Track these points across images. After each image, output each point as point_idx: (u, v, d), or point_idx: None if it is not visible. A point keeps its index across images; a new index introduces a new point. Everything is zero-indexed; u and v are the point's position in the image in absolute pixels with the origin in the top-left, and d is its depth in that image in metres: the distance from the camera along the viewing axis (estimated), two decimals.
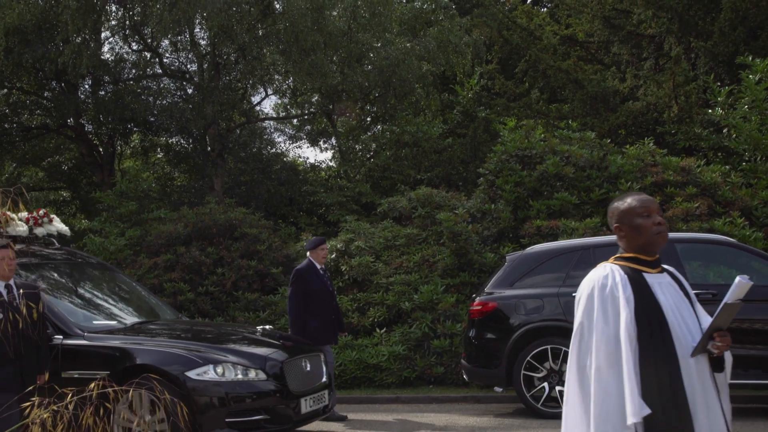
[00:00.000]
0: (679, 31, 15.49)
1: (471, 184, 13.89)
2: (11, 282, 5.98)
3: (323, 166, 19.45)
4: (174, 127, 17.17)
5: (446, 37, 17.10)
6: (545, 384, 7.97)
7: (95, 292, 7.85)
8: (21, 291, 5.95)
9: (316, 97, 18.57)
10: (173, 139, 18.65)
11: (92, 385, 5.16)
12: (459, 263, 11.15)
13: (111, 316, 7.40)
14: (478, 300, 8.57)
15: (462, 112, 16.63)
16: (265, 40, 16.45)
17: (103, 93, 17.32)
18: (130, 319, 7.45)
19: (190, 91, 17.97)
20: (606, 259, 8.99)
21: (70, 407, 4.98)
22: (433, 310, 10.58)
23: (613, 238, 8.94)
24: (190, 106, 16.95)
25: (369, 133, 18.04)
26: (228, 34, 15.96)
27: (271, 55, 17.04)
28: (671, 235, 8.66)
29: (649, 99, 14.75)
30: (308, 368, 6.95)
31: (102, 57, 17.07)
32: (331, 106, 17.76)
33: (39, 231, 7.77)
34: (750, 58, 11.98)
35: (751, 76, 11.75)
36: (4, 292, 5.89)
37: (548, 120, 15.38)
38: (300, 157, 20.67)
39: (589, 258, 8.33)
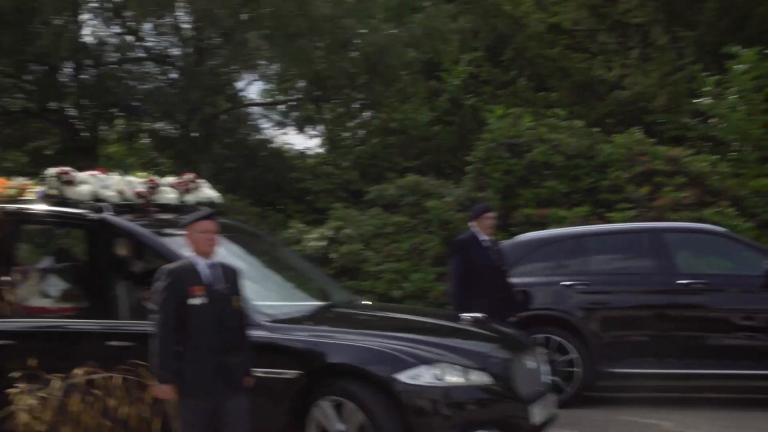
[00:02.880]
0: (666, 21, 15.53)
1: (459, 172, 13.86)
2: (213, 260, 4.79)
3: (311, 153, 19.35)
4: (158, 112, 16.93)
5: (433, 23, 16.96)
6: None
7: (265, 269, 6.55)
8: (222, 272, 4.80)
9: (302, 83, 18.41)
10: (158, 124, 18.41)
11: (80, 371, 5.01)
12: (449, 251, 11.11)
13: (288, 298, 6.21)
14: None
15: (449, 100, 16.56)
16: (249, 25, 16.24)
17: (85, 77, 17.03)
18: (309, 302, 6.26)
19: (174, 75, 17.73)
20: (596, 248, 8.94)
21: (59, 394, 4.87)
22: (424, 299, 10.54)
23: (603, 227, 8.96)
24: (175, 90, 16.71)
25: (356, 121, 17.93)
26: (211, 18, 15.73)
27: (256, 40, 16.84)
28: (660, 224, 8.70)
29: (637, 88, 14.80)
30: (532, 366, 5.68)
31: (83, 40, 16.78)
32: (318, 92, 17.63)
33: (189, 198, 6.69)
34: (737, 48, 12.01)
35: (737, 65, 11.79)
36: (206, 272, 4.69)
37: (536, 108, 15.35)
38: (287, 143, 20.49)
39: (579, 247, 8.35)
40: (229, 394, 4.55)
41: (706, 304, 7.74)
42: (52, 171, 6.05)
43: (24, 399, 5.12)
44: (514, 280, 8.25)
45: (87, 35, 17.49)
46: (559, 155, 11.45)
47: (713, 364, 7.57)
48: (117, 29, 17.87)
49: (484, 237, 7.27)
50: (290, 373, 5.08)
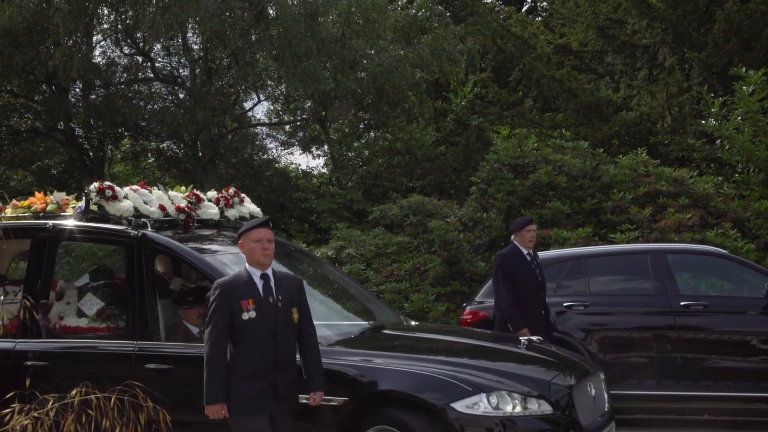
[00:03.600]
0: (673, 42, 15.52)
1: (463, 193, 13.85)
2: (268, 271, 4.52)
3: (315, 172, 19.42)
4: (165, 132, 17.08)
5: (440, 44, 17.08)
6: None
7: (310, 289, 6.04)
8: (279, 283, 4.53)
9: (308, 104, 18.53)
10: (164, 144, 18.58)
11: (74, 391, 4.95)
12: (450, 272, 11.07)
13: (334, 319, 5.85)
14: (468, 309, 8.47)
15: (455, 120, 16.60)
16: (258, 46, 16.40)
17: (94, 97, 17.23)
18: (355, 324, 5.90)
19: (181, 95, 17.91)
20: (598, 269, 8.90)
21: (51, 414, 4.84)
22: (423, 319, 10.49)
23: (604, 248, 8.91)
24: (182, 111, 16.87)
25: (362, 141, 18.00)
26: (221, 38, 15.90)
27: (264, 61, 17.00)
28: (662, 245, 8.63)
29: (643, 109, 14.76)
30: (593, 394, 5.28)
31: (93, 60, 16.99)
32: (324, 113, 17.73)
33: (230, 213, 6.45)
34: (744, 70, 11.98)
35: (744, 87, 11.74)
36: (260, 284, 4.46)
37: (541, 129, 15.36)
38: (292, 163, 20.59)
39: (581, 268, 8.29)
40: (280, 412, 4.38)
41: (706, 326, 7.65)
42: (93, 186, 5.80)
43: (18, 419, 5.08)
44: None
45: (97, 56, 17.72)
46: (562, 176, 11.41)
47: (712, 386, 7.48)
48: (127, 50, 18.09)
49: (525, 250, 7.11)
50: (337, 400, 4.75)
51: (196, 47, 17.98)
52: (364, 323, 5.97)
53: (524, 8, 23.80)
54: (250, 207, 6.69)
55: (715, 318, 7.66)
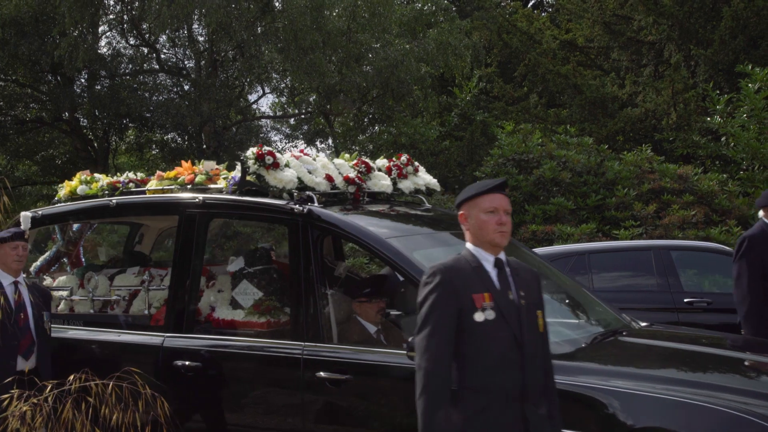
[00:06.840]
0: (680, 39, 15.47)
1: None
2: (502, 256, 3.16)
3: None
4: (169, 124, 17.09)
5: (446, 39, 17.05)
6: None
7: None
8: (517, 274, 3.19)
9: (313, 97, 18.52)
10: (168, 136, 18.59)
11: (72, 377, 4.85)
12: None
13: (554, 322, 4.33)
14: None
15: (460, 115, 16.57)
16: (263, 38, 16.38)
17: (99, 87, 17.23)
18: (582, 327, 4.50)
19: (186, 87, 17.91)
20: (601, 265, 8.85)
21: (50, 400, 4.83)
22: None
23: (607, 244, 8.88)
24: (187, 102, 16.86)
25: (366, 134, 17.99)
26: (226, 31, 15.88)
27: (270, 54, 16.98)
28: (666, 242, 8.61)
29: (648, 106, 14.73)
30: None
31: (99, 51, 16.99)
32: (328, 106, 17.71)
33: (404, 185, 5.37)
34: (750, 67, 11.94)
35: (750, 84, 11.71)
36: (493, 274, 3.10)
37: (546, 125, 15.33)
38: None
39: (584, 264, 8.27)
40: None
41: (709, 323, 7.63)
42: (250, 152, 4.83)
43: (16, 405, 5.07)
44: None
45: (103, 47, 17.74)
46: (567, 172, 11.39)
47: None
48: (132, 41, 18.10)
49: None
50: None
51: (201, 39, 18.00)
52: (593, 327, 4.53)
53: (530, 3, 23.73)
54: (425, 178, 5.62)
55: (718, 315, 7.63)
